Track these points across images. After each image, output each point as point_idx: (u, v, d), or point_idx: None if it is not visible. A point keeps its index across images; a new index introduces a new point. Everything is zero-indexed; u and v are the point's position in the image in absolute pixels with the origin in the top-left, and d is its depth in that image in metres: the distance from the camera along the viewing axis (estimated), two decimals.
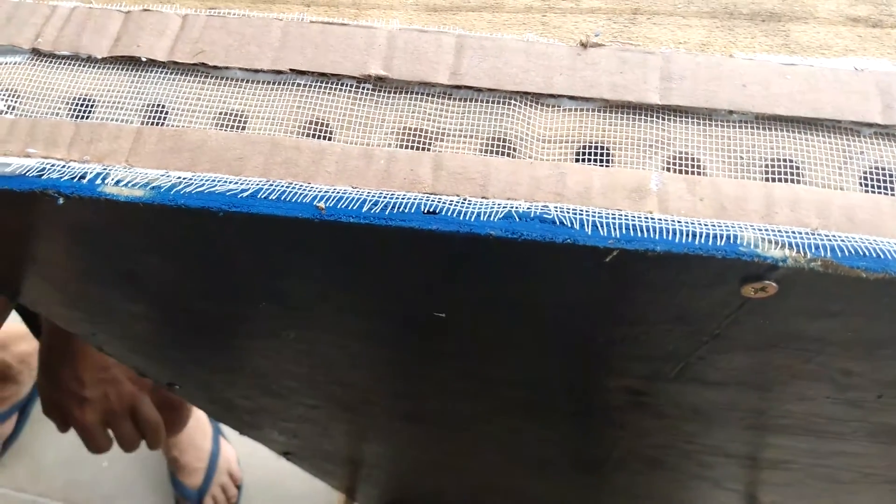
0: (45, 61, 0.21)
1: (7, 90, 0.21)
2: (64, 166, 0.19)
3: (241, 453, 1.16)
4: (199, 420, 1.05)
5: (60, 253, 0.24)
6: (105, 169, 0.19)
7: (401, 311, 0.24)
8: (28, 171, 0.19)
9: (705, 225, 0.17)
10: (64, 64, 0.21)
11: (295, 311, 0.25)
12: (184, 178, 0.18)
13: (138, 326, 0.31)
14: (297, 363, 0.32)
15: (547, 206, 0.17)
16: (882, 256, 0.16)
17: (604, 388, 0.31)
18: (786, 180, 0.18)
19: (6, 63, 0.21)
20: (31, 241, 0.23)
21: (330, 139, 0.19)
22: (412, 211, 0.17)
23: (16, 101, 0.20)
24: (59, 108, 0.20)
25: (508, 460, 0.51)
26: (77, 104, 0.20)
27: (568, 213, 0.17)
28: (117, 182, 0.18)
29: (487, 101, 0.19)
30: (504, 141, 0.19)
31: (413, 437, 0.48)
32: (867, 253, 0.16)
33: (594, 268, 0.18)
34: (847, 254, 0.16)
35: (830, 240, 0.17)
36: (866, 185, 0.18)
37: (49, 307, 0.31)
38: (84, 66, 0.21)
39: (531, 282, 0.20)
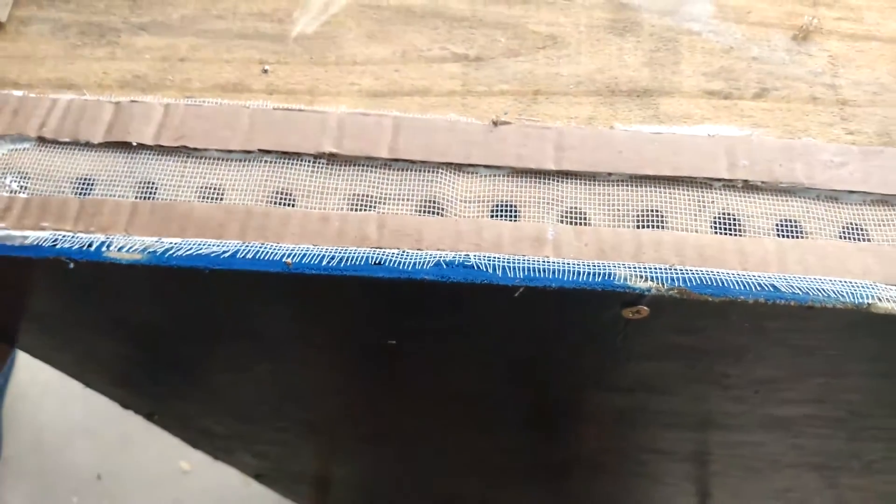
0: (50, 147, 0.25)
1: (19, 173, 0.25)
2: (73, 237, 0.23)
3: (211, 482, 1.19)
4: None
5: (62, 306, 0.28)
6: (108, 238, 0.23)
7: (357, 342, 0.28)
8: (44, 241, 0.23)
9: (589, 265, 0.22)
10: (66, 149, 0.25)
11: (267, 347, 0.29)
12: (175, 244, 0.23)
13: (124, 366, 0.35)
14: (267, 391, 0.37)
15: (468, 255, 0.22)
16: (723, 285, 0.21)
17: (541, 400, 0.36)
18: (652, 226, 0.23)
19: (17, 149, 0.25)
20: (38, 298, 0.27)
21: (293, 206, 0.24)
22: (362, 263, 0.22)
23: (27, 182, 0.24)
24: (65, 187, 0.24)
25: (466, 470, 0.56)
26: (79, 183, 0.24)
27: (484, 259, 0.22)
28: (119, 248, 0.23)
29: (420, 171, 0.24)
30: (434, 202, 0.24)
31: (375, 453, 0.52)
32: (712, 282, 0.21)
33: (508, 302, 0.22)
34: (697, 283, 0.21)
35: (684, 273, 0.22)
36: (716, 228, 0.23)
37: (44, 352, 0.34)
38: (83, 150, 0.25)
39: (461, 314, 0.24)
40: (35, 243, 0.23)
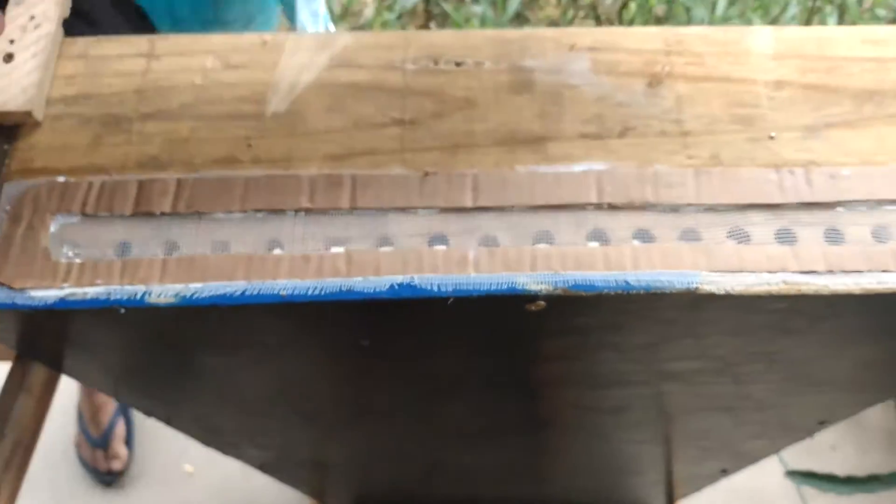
0: (92, 220, 0.33)
1: (72, 242, 0.33)
2: (121, 289, 0.31)
3: (213, 480, 1.27)
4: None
5: (109, 340, 0.36)
6: (148, 288, 0.31)
7: (338, 346, 0.37)
8: (100, 295, 0.31)
9: (499, 277, 0.30)
10: (105, 220, 0.33)
11: (268, 357, 0.38)
12: (197, 288, 0.31)
13: (150, 381, 0.44)
14: (268, 390, 0.45)
15: (412, 277, 0.31)
16: (592, 283, 0.30)
17: (492, 377, 0.44)
18: (544, 244, 0.31)
19: (68, 224, 0.33)
20: (91, 335, 0.35)
21: (282, 251, 0.32)
22: (337, 290, 0.30)
23: (79, 250, 0.32)
24: (108, 251, 0.32)
25: (450, 440, 0.65)
26: (119, 247, 0.32)
27: (424, 280, 0.31)
28: (157, 295, 0.31)
29: (374, 216, 0.32)
30: (386, 239, 0.32)
31: (362, 433, 0.61)
32: (584, 282, 0.30)
33: (445, 308, 0.31)
34: (573, 283, 0.30)
35: (566, 277, 0.30)
36: (589, 241, 0.32)
37: (86, 375, 0.43)
38: (118, 220, 0.33)
39: (413, 319, 0.33)
40: (95, 297, 0.31)
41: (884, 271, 0.32)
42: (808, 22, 1.33)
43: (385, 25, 1.60)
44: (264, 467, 0.74)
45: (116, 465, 1.23)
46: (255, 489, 1.24)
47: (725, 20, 1.36)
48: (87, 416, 1.24)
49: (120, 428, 1.25)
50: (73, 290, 0.31)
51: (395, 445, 0.65)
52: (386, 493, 1.05)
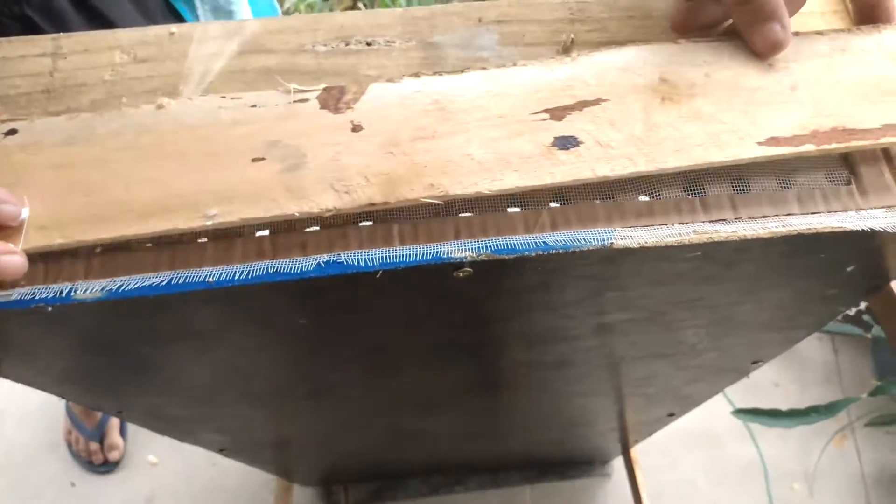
0: None
1: None
2: (46, 287, 0.31)
3: (179, 467, 1.27)
4: None
5: (44, 340, 0.36)
6: (73, 284, 0.31)
7: (277, 325, 0.38)
8: (25, 295, 0.31)
9: (425, 248, 0.31)
10: None
11: (210, 343, 0.38)
12: (123, 281, 0.31)
13: (94, 376, 0.44)
14: (217, 375, 0.45)
15: (339, 255, 0.31)
16: (512, 247, 0.31)
17: (436, 340, 0.46)
18: (467, 212, 0.32)
19: None
20: (22, 336, 0.35)
21: (207, 238, 0.32)
22: (264, 272, 0.31)
23: None
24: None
25: (405, 409, 0.66)
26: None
27: (352, 256, 0.31)
28: (84, 291, 0.31)
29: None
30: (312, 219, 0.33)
31: (320, 409, 0.62)
32: (506, 246, 0.31)
33: (376, 282, 0.32)
34: (496, 248, 0.31)
35: (488, 243, 0.31)
36: (510, 207, 0.33)
37: (21, 375, 0.42)
38: None
39: (346, 296, 0.34)
40: (20, 297, 0.31)
41: (787, 215, 0.33)
42: None
43: (311, 8, 1.57)
44: (225, 451, 0.74)
45: (114, 456, 1.25)
46: (222, 473, 1.25)
47: None
48: (78, 410, 1.24)
49: (114, 419, 1.25)
50: None
51: (352, 419, 0.66)
52: (351, 465, 1.07)
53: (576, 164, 0.32)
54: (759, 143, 0.32)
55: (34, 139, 0.33)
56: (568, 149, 0.32)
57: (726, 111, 0.33)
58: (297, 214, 0.31)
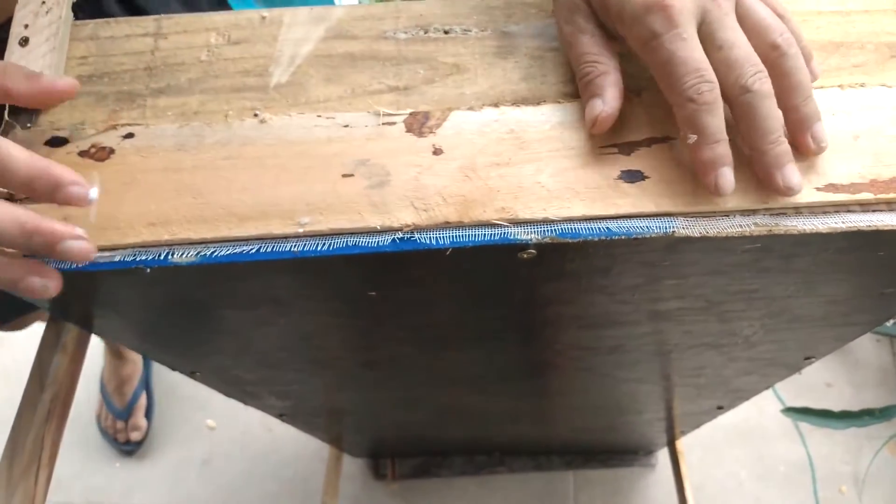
0: None
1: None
2: (146, 251, 0.34)
3: (235, 433, 1.32)
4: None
5: (137, 299, 0.39)
6: (171, 249, 0.34)
7: (349, 296, 0.40)
8: (126, 256, 0.34)
9: (492, 229, 0.33)
10: None
11: (285, 307, 0.41)
12: (216, 248, 0.34)
13: (175, 336, 0.47)
14: (286, 339, 0.48)
15: (413, 232, 0.34)
16: (577, 231, 0.33)
17: (496, 321, 0.48)
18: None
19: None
20: (119, 295, 0.39)
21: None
22: (344, 245, 0.33)
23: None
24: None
25: (458, 387, 0.68)
26: None
27: (424, 235, 0.33)
28: (180, 255, 0.34)
29: None
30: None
31: (377, 380, 0.64)
32: (570, 230, 0.33)
33: (443, 259, 0.34)
34: (561, 232, 0.33)
35: (553, 228, 0.33)
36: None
37: (114, 333, 0.46)
38: None
39: (416, 269, 0.36)
40: (122, 259, 0.34)
41: (848, 212, 0.34)
42: None
43: None
44: (284, 417, 0.78)
45: (136, 436, 1.29)
46: (276, 440, 1.30)
47: None
48: (111, 389, 1.30)
49: (142, 400, 1.31)
50: (100, 253, 0.34)
51: (405, 393, 0.69)
52: (399, 439, 1.10)
53: (640, 196, 0.33)
54: (818, 189, 0.34)
55: (148, 143, 0.36)
56: (633, 182, 0.34)
57: None
58: (378, 227, 0.33)
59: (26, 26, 0.39)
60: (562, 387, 0.69)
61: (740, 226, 0.34)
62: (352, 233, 0.34)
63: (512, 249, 0.34)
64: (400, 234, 0.34)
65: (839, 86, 0.36)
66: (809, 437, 1.30)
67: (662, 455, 1.28)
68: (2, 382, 1.30)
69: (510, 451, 1.27)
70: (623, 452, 1.28)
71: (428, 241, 0.33)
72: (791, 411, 1.10)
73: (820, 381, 1.34)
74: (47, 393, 0.46)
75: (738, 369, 0.63)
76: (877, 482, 1.26)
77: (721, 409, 0.84)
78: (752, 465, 1.29)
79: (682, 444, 1.19)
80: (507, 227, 0.33)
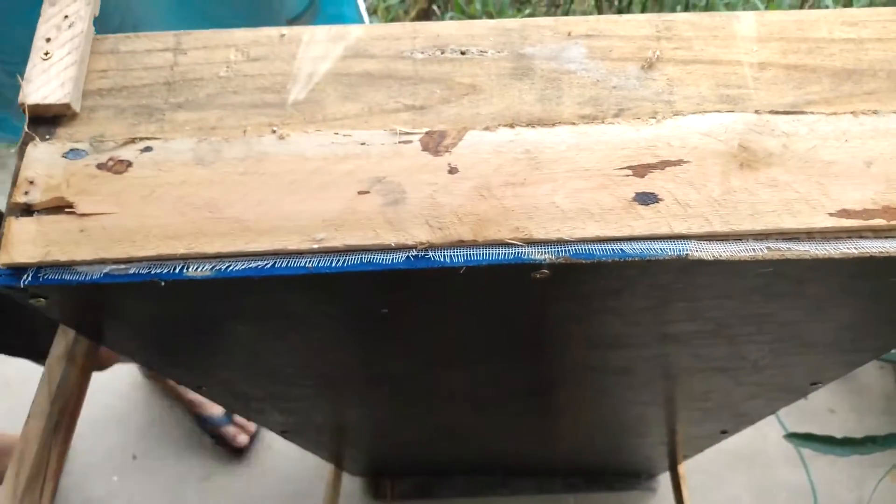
0: None
1: None
2: (160, 264, 0.34)
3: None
4: None
5: (147, 312, 0.39)
6: (185, 262, 0.34)
7: (361, 313, 0.40)
8: (141, 269, 0.34)
9: (505, 248, 0.33)
10: None
11: (295, 323, 0.41)
12: (231, 262, 0.34)
13: (183, 350, 0.47)
14: (295, 354, 0.48)
15: (427, 249, 0.34)
16: (590, 252, 0.33)
17: (505, 340, 0.48)
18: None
19: None
20: (129, 308, 0.39)
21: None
22: (358, 262, 0.34)
23: None
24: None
25: (465, 407, 0.68)
26: None
27: (438, 252, 0.34)
28: (195, 269, 0.34)
29: None
30: None
31: (382, 398, 0.64)
32: (584, 251, 0.33)
33: (456, 277, 0.34)
34: (575, 253, 0.33)
35: (568, 248, 0.33)
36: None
37: (123, 346, 0.46)
38: None
39: (429, 287, 0.36)
40: (137, 272, 0.34)
41: (860, 238, 0.34)
42: (801, 6, 1.35)
43: (388, 10, 1.61)
44: (286, 433, 0.78)
45: (243, 440, 1.28)
46: (277, 456, 1.29)
47: (729, 6, 1.37)
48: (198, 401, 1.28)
49: None
50: (115, 265, 0.34)
51: (411, 410, 0.69)
52: (400, 458, 1.09)
53: (654, 219, 0.34)
54: (831, 214, 0.34)
55: (166, 157, 0.36)
56: (648, 204, 0.34)
57: (801, 181, 0.34)
58: (393, 245, 0.33)
59: (48, 40, 0.39)
60: (568, 407, 0.69)
61: (753, 250, 0.34)
62: (367, 250, 0.34)
63: (525, 269, 0.34)
64: (414, 252, 0.34)
65: (852, 112, 0.37)
66: (812, 464, 1.29)
67: (664, 479, 1.27)
68: (4, 393, 1.29)
69: (512, 472, 1.26)
70: (625, 475, 1.27)
71: (442, 260, 0.33)
72: (794, 437, 1.09)
73: (823, 407, 1.33)
74: (56, 404, 0.46)
75: (744, 393, 0.62)
76: None
77: (725, 433, 0.84)
78: (753, 491, 1.28)
79: (684, 468, 1.18)
80: (521, 246, 0.34)
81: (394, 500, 1.25)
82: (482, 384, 0.59)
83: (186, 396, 1.25)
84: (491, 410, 0.69)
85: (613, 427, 0.81)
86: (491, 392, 0.62)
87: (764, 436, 1.30)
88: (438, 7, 1.66)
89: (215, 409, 1.26)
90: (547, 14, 1.71)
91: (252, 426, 1.29)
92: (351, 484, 1.26)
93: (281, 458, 1.29)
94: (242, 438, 1.26)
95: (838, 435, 1.08)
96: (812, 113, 0.36)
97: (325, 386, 0.57)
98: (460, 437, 0.87)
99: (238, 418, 1.27)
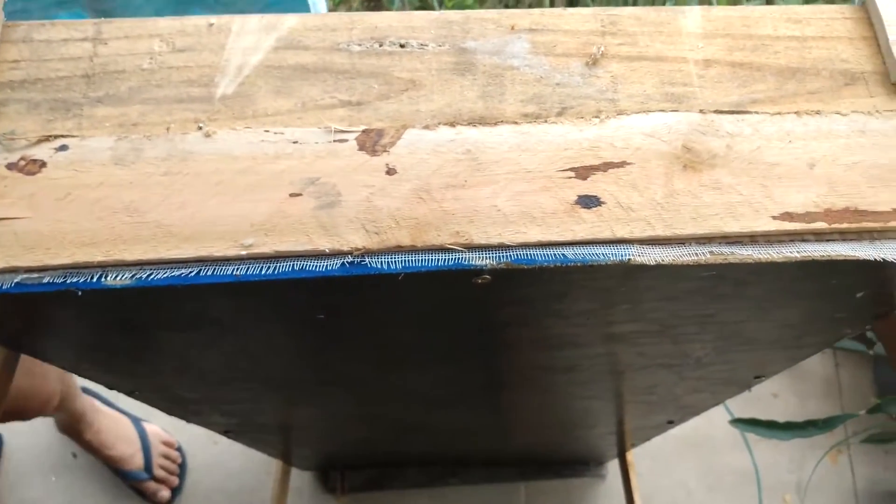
0: None
1: None
2: (78, 272, 0.32)
3: (180, 444, 1.28)
4: (114, 416, 1.19)
5: (69, 320, 0.37)
6: (104, 270, 0.32)
7: (296, 319, 0.38)
8: (56, 278, 0.32)
9: (446, 254, 0.32)
10: None
11: (228, 329, 0.39)
12: (152, 270, 0.32)
13: (111, 356, 0.45)
14: (230, 360, 0.46)
15: (363, 256, 0.32)
16: (532, 258, 0.32)
17: (451, 342, 0.46)
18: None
19: None
20: (48, 317, 0.36)
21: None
22: (290, 269, 0.32)
23: None
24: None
25: (412, 405, 0.67)
26: None
27: (375, 259, 0.32)
28: (114, 277, 0.32)
29: None
30: None
31: (326, 398, 0.63)
32: (525, 257, 0.32)
33: (397, 284, 0.33)
34: (515, 258, 0.32)
35: (508, 251, 0.32)
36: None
37: (46, 354, 0.43)
38: None
39: (366, 294, 0.35)
40: (52, 280, 0.32)
41: (802, 241, 0.34)
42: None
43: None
44: (229, 433, 0.75)
45: (165, 495, 1.22)
46: (222, 451, 1.27)
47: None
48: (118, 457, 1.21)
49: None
50: (28, 274, 0.32)
51: (356, 410, 0.67)
52: (350, 452, 1.08)
53: (596, 223, 0.33)
54: (774, 217, 0.33)
55: (83, 157, 0.33)
56: (590, 208, 0.33)
57: (745, 183, 0.34)
58: (327, 251, 0.32)
59: None
60: (515, 403, 0.68)
61: (696, 254, 0.33)
62: (299, 256, 0.32)
63: (466, 275, 0.33)
64: (350, 258, 0.32)
65: (796, 112, 0.36)
66: (756, 447, 1.32)
67: (613, 466, 1.28)
68: None
69: (463, 463, 1.26)
70: (575, 463, 1.28)
71: (379, 266, 0.32)
72: (739, 422, 1.11)
73: (767, 392, 1.36)
74: None
75: (689, 388, 0.63)
76: (818, 491, 1.29)
77: (671, 423, 0.85)
78: (700, 475, 1.31)
79: (632, 454, 1.19)
80: (462, 251, 0.32)
81: (344, 494, 1.24)
82: (429, 384, 0.58)
83: (104, 453, 1.18)
84: (440, 408, 0.68)
85: (562, 420, 0.81)
86: (439, 391, 0.61)
87: (710, 421, 1.32)
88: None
89: (135, 464, 1.20)
90: (498, 2, 1.69)
91: (174, 480, 1.22)
92: (300, 478, 1.24)
93: (226, 453, 1.27)
94: (164, 494, 1.21)
95: (781, 419, 1.11)
96: (757, 112, 0.36)
97: (266, 388, 0.56)
98: (410, 432, 0.86)
99: (159, 472, 1.21)
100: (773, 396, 1.36)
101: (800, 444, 1.29)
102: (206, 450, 1.28)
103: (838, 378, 1.38)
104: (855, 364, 1.39)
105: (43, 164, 0.34)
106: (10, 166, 0.34)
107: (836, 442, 1.31)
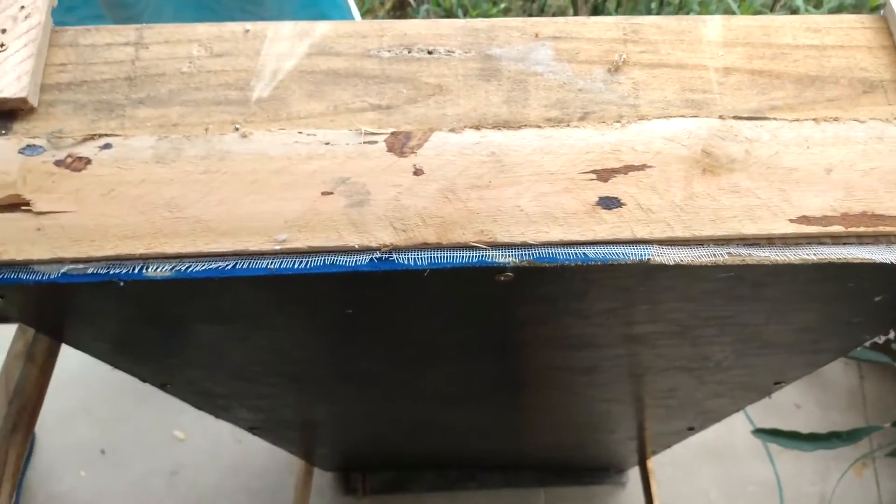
0: None
1: None
2: (119, 264, 0.34)
3: (204, 444, 1.30)
4: None
5: (109, 310, 0.38)
6: (145, 263, 0.34)
7: (325, 313, 0.40)
8: (100, 269, 0.34)
9: (470, 251, 0.33)
10: None
11: (259, 322, 0.41)
12: (191, 263, 0.34)
13: (146, 348, 0.46)
14: (261, 353, 0.48)
15: (391, 252, 0.34)
16: (554, 256, 0.33)
17: (473, 338, 0.48)
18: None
19: None
20: (89, 307, 0.38)
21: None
22: (321, 264, 0.33)
23: None
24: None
25: (433, 403, 0.68)
26: None
27: (402, 255, 0.33)
28: (154, 269, 0.33)
29: None
30: None
31: (352, 395, 0.64)
32: (547, 255, 0.33)
33: (420, 279, 0.34)
34: (538, 256, 0.33)
35: (531, 251, 0.33)
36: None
37: (85, 344, 0.45)
38: None
39: (394, 289, 0.36)
40: (95, 271, 0.34)
41: (819, 244, 0.35)
42: (772, 9, 1.36)
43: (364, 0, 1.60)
44: (255, 430, 0.77)
45: None
46: (246, 452, 1.29)
47: (702, 6, 1.38)
48: None
49: None
50: (74, 265, 0.34)
51: (379, 407, 0.69)
52: (371, 453, 1.09)
53: (617, 223, 0.34)
54: (791, 220, 0.34)
55: (126, 155, 0.35)
56: (611, 209, 0.34)
57: (763, 187, 0.35)
58: (356, 247, 0.33)
59: (3, 31, 0.38)
60: (535, 404, 0.69)
61: (714, 255, 0.34)
62: (329, 251, 0.34)
63: (489, 272, 0.34)
64: (378, 255, 0.34)
65: (814, 119, 0.37)
66: (778, 458, 1.31)
67: (633, 473, 1.28)
68: None
69: (482, 467, 1.26)
70: (594, 470, 1.28)
71: (406, 262, 0.33)
72: (761, 432, 1.11)
73: (789, 403, 1.35)
74: (14, 404, 0.46)
75: (709, 392, 0.63)
76: None
77: (692, 430, 0.85)
78: (721, 485, 1.30)
79: (653, 462, 1.19)
80: (485, 249, 0.34)
81: (365, 495, 1.25)
82: (450, 382, 0.59)
83: None
84: (460, 407, 0.69)
85: (581, 423, 0.82)
86: (460, 389, 0.62)
87: (732, 430, 1.32)
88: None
89: None
90: (522, 9, 1.71)
91: None
92: (322, 479, 1.26)
93: (251, 453, 1.29)
94: None
95: (804, 430, 1.10)
96: (775, 119, 0.37)
97: (293, 383, 0.57)
98: (430, 431, 0.87)
99: None
100: (795, 407, 1.35)
101: (823, 455, 1.28)
102: (231, 449, 1.30)
103: (863, 390, 1.37)
104: (879, 376, 1.37)
105: (88, 162, 0.36)
106: (57, 163, 0.36)
107: (860, 455, 1.30)
